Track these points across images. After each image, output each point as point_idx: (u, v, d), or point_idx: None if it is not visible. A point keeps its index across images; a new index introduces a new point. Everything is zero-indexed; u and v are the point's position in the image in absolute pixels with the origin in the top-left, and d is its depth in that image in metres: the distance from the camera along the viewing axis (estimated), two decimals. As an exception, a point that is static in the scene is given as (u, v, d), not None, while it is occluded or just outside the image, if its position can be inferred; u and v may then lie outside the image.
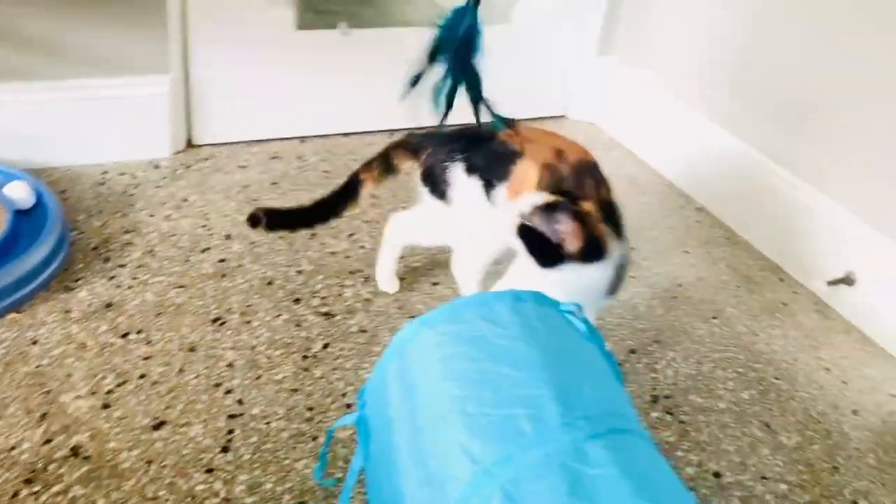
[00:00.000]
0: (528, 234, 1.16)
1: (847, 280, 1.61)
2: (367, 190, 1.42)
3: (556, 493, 0.70)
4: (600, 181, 1.26)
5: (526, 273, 1.21)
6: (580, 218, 1.15)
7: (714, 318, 1.58)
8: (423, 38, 2.08)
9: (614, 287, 1.24)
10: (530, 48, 2.19)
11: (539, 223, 1.15)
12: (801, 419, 1.35)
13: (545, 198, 1.17)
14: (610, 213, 1.23)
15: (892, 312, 1.54)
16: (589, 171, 1.26)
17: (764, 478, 1.23)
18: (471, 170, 1.31)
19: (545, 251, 1.16)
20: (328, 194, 1.44)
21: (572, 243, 1.15)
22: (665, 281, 1.67)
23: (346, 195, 1.43)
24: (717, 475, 1.22)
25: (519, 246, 1.18)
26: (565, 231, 1.14)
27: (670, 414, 1.33)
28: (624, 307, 1.57)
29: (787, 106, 1.75)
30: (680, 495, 0.77)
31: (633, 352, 1.46)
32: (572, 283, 1.18)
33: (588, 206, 1.19)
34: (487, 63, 2.22)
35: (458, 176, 1.32)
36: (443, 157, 1.33)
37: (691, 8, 2.00)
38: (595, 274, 1.20)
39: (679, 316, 1.57)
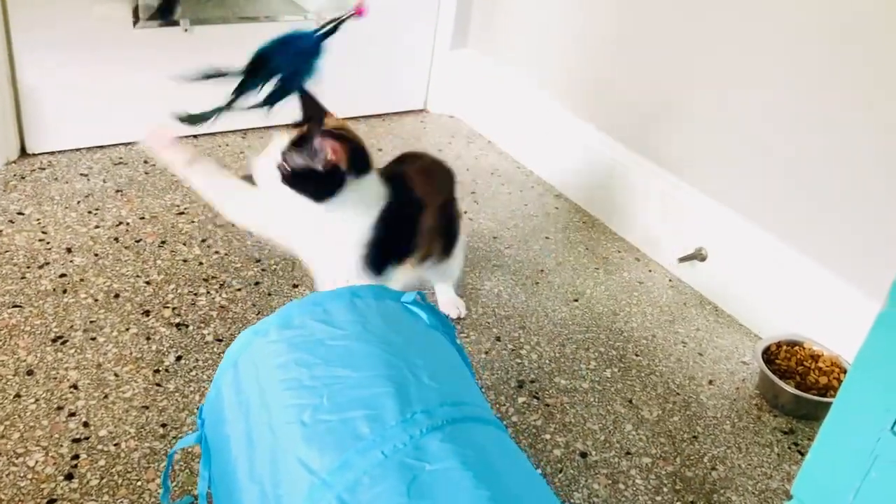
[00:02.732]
0: (295, 178, 1.09)
1: (698, 255, 1.67)
2: None
3: (394, 495, 0.67)
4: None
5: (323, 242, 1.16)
6: (336, 135, 1.09)
7: (575, 300, 1.60)
8: (269, 33, 2.02)
9: None
10: (384, 43, 2.17)
11: (300, 160, 1.08)
12: (661, 392, 1.39)
13: (289, 136, 1.09)
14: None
15: (740, 283, 1.61)
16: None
17: (628, 453, 1.26)
18: None
19: (319, 185, 1.10)
20: None
21: (340, 159, 1.09)
22: (527, 268, 1.69)
23: None
24: (583, 455, 1.24)
25: (291, 193, 1.10)
26: (330, 151, 1.08)
27: (536, 398, 1.33)
28: (487, 296, 1.57)
29: (635, 91, 1.80)
30: (527, 477, 0.76)
31: (498, 339, 1.46)
32: (358, 203, 1.14)
33: (334, 121, 1.15)
34: (342, 59, 2.18)
35: None
36: None
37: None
38: (372, 184, 1.16)
39: (542, 301, 1.58)
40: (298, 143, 1.08)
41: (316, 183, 1.09)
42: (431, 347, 0.86)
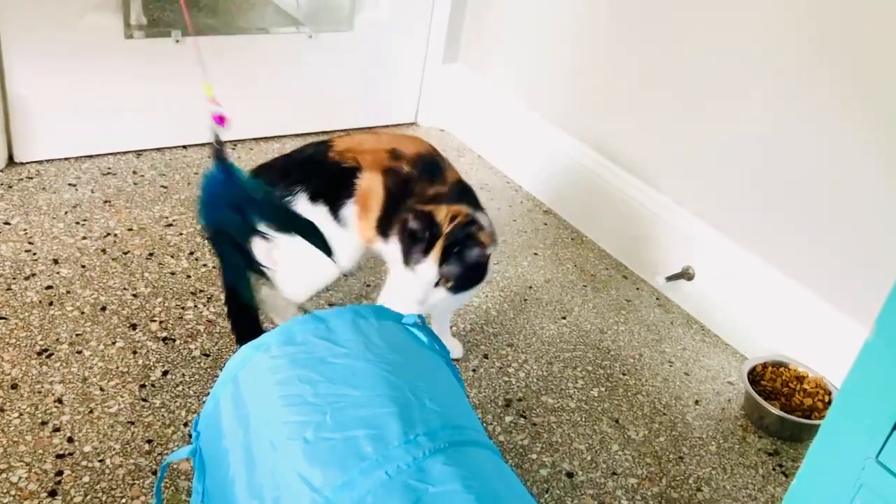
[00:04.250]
0: (459, 279, 1.20)
1: (686, 275, 1.68)
2: None
3: (399, 515, 0.68)
4: (444, 167, 1.30)
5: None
6: (472, 233, 1.19)
7: (563, 318, 1.61)
8: (261, 45, 2.03)
9: None
10: (375, 56, 2.18)
11: (457, 269, 1.19)
12: (647, 412, 1.40)
13: (431, 258, 1.18)
14: (463, 192, 1.28)
15: (727, 304, 1.62)
16: (430, 161, 1.29)
17: (614, 473, 1.26)
18: (314, 198, 1.27)
19: (477, 273, 1.23)
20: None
21: (490, 246, 1.21)
22: (515, 284, 1.69)
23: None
24: (569, 475, 1.24)
25: (453, 290, 1.22)
26: (488, 251, 1.21)
27: (523, 417, 1.34)
28: (476, 312, 1.57)
29: (625, 109, 1.81)
30: (523, 502, 0.77)
31: (486, 356, 1.46)
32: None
33: (455, 210, 1.22)
34: (334, 71, 2.18)
35: (302, 207, 1.27)
36: (281, 193, 1.27)
37: (529, 16, 2.04)
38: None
39: (530, 318, 1.59)
40: (447, 258, 1.18)
41: (474, 272, 1.22)
42: (431, 369, 0.86)
